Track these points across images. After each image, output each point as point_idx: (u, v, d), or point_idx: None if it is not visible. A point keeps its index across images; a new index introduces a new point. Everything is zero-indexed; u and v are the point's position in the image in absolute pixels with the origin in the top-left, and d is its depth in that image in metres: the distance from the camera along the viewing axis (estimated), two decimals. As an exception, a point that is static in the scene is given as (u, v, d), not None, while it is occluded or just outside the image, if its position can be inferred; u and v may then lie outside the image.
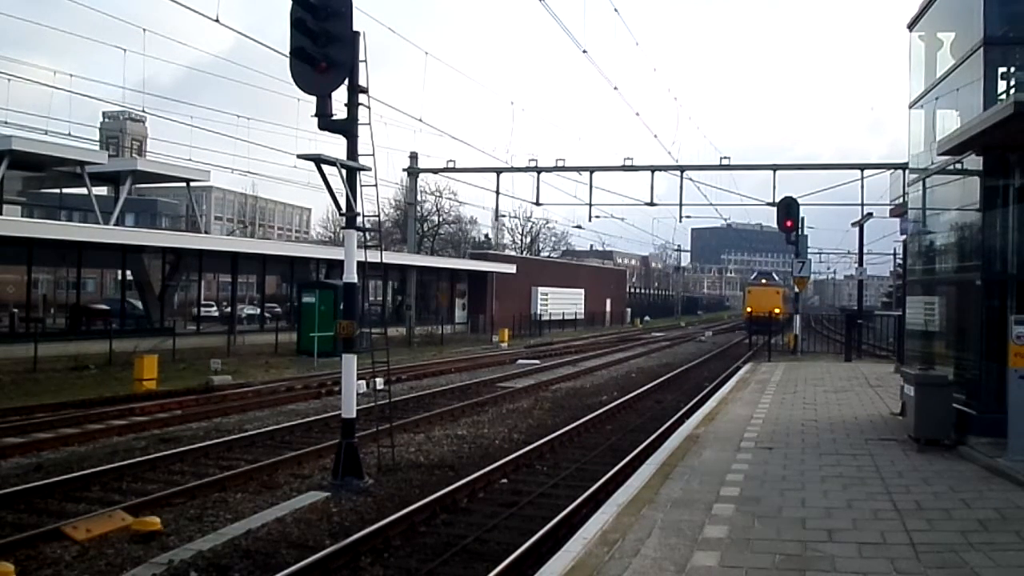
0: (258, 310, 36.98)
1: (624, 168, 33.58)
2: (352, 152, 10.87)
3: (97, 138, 50.48)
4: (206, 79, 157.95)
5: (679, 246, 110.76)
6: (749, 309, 53.97)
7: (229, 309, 34.67)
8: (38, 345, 22.69)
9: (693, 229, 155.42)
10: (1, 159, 28.49)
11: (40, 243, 24.35)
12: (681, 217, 36.60)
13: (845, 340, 28.50)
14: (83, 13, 56.58)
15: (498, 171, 35.65)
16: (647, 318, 78.95)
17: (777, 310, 48.81)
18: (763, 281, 57.82)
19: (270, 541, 8.33)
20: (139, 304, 31.12)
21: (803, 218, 30.32)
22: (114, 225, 32.79)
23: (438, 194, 64.15)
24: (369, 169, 11.12)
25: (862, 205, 32.52)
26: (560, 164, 34.24)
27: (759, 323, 47.06)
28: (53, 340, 25.01)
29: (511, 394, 20.48)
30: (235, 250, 34.42)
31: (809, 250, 68.66)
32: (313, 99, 10.68)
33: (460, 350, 34.80)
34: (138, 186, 46.70)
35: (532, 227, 78.74)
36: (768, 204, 31.79)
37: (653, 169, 33.55)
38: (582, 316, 61.56)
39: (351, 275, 11.00)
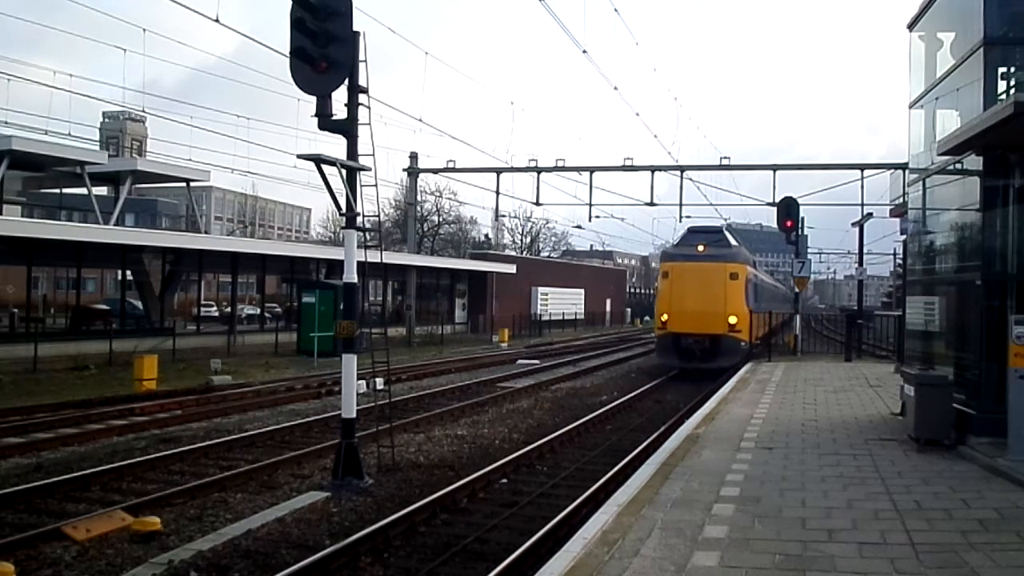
0: (258, 310, 37.00)
1: (624, 168, 33.57)
2: (352, 152, 10.88)
3: (97, 138, 50.45)
4: (208, 80, 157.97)
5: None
6: (665, 317, 25.23)
7: (229, 309, 34.68)
8: (38, 345, 22.69)
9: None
10: (1, 159, 28.52)
11: (40, 243, 24.35)
12: (681, 217, 36.40)
13: (845, 340, 28.49)
14: (86, 14, 56.44)
15: (498, 171, 35.65)
16: (647, 318, 78.91)
17: (733, 319, 24.28)
18: (699, 248, 25.65)
19: (270, 541, 8.33)
20: (139, 304, 31.12)
21: (803, 218, 30.32)
22: (114, 225, 32.80)
23: (438, 194, 64.25)
24: (369, 169, 11.14)
25: (862, 205, 32.54)
26: (560, 164, 34.24)
27: (687, 350, 24.43)
28: (53, 340, 25.01)
29: (511, 394, 20.47)
30: (235, 250, 34.41)
31: (809, 250, 67.52)
32: (313, 99, 10.69)
33: (460, 350, 34.79)
34: (138, 186, 46.74)
35: (532, 227, 78.86)
36: (768, 204, 31.79)
37: (653, 169, 33.55)
38: (582, 316, 61.55)
39: (351, 275, 11.01)
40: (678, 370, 24.73)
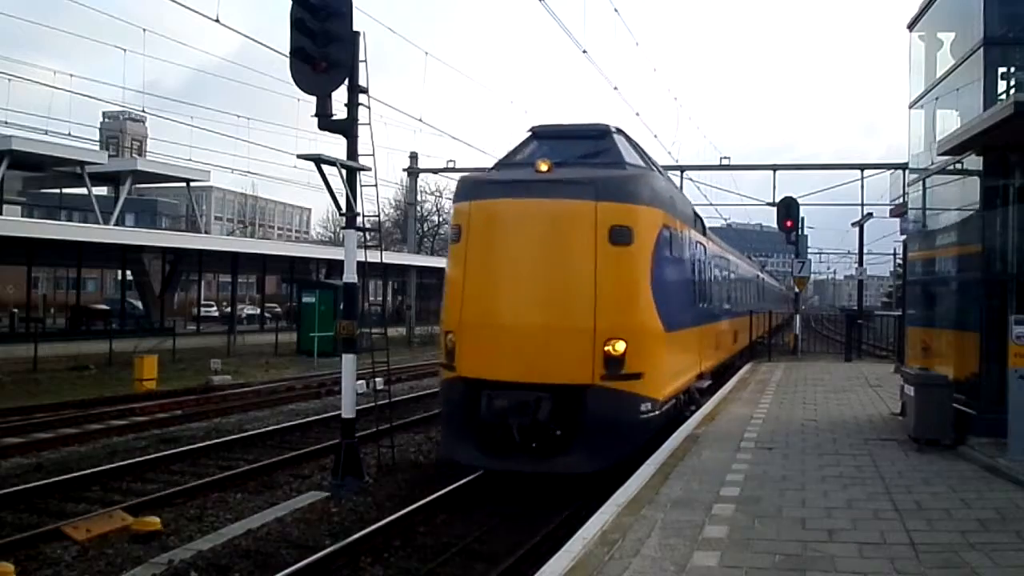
0: (258, 310, 37.03)
1: (624, 168, 33.50)
2: (352, 152, 10.88)
3: (97, 138, 50.47)
4: (209, 81, 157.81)
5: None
6: (452, 339, 10.07)
7: (229, 309, 34.70)
8: (38, 345, 22.71)
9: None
10: (1, 159, 28.54)
11: (40, 243, 24.37)
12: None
13: (845, 340, 28.48)
14: (86, 14, 56.59)
15: (498, 171, 35.57)
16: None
17: (618, 344, 9.42)
18: (541, 167, 9.81)
19: (270, 541, 8.34)
20: (139, 304, 31.15)
21: (803, 218, 30.33)
22: (114, 225, 32.83)
23: (438, 194, 64.15)
24: (369, 169, 11.14)
25: (862, 205, 32.50)
26: (560, 164, 34.16)
27: (499, 427, 9.44)
28: (53, 340, 25.04)
29: (511, 394, 20.41)
30: (235, 250, 34.44)
31: (809, 250, 67.21)
32: (313, 99, 10.70)
33: (460, 350, 34.71)
34: (138, 186, 46.79)
35: (532, 227, 78.64)
36: (768, 204, 31.72)
37: (653, 169, 33.49)
38: (582, 316, 61.31)
39: (351, 275, 11.01)
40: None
